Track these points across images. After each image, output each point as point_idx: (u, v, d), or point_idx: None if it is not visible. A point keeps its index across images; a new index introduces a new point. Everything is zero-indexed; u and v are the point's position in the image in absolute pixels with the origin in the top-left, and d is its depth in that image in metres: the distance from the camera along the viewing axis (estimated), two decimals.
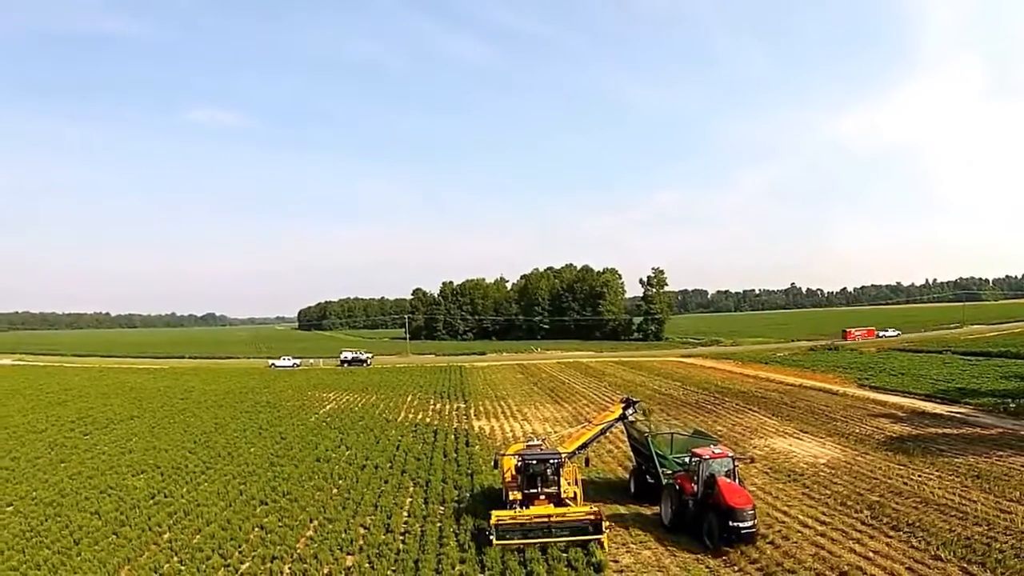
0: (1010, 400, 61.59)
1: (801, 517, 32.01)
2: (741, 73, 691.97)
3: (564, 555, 27.39)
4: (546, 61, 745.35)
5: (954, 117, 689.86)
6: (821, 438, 50.78)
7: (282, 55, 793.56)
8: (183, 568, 27.18)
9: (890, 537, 28.96)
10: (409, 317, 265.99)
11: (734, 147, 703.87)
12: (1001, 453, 43.57)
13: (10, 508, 36.25)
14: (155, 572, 26.92)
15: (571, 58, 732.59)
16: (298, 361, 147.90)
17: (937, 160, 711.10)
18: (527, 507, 30.52)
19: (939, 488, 35.81)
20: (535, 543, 28.22)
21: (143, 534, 31.45)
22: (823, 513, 32.70)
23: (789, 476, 39.73)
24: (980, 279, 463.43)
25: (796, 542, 28.53)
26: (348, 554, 28.82)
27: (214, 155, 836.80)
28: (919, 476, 38.58)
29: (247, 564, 27.58)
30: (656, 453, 34.79)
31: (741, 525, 27.74)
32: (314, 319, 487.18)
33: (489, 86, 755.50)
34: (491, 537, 28.16)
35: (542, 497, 31.17)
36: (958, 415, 58.39)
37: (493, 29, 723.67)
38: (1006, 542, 27.27)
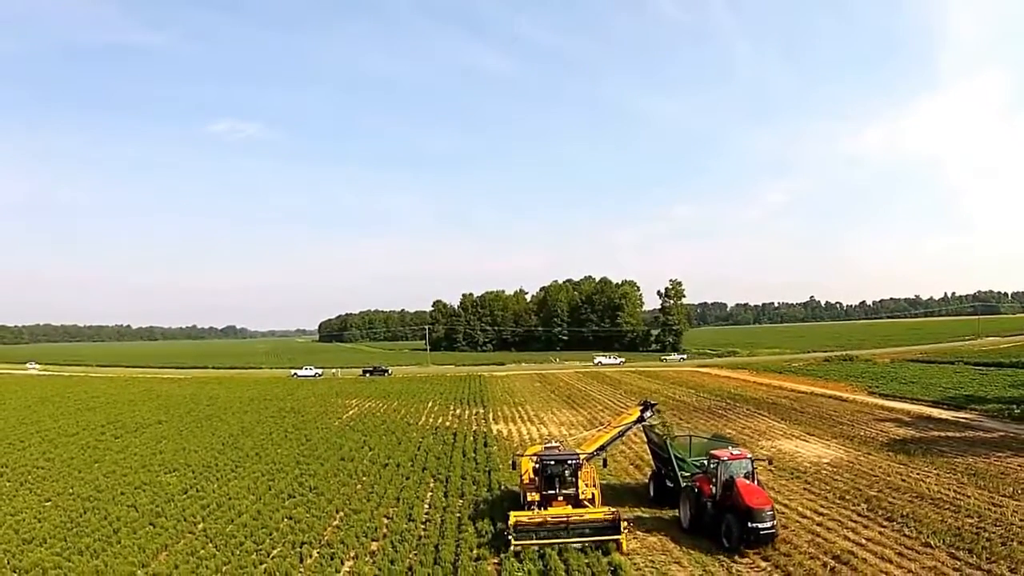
0: (1015, 406, 62.81)
1: (800, 509, 33.61)
2: (761, 86, 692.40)
3: None
4: (566, 74, 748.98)
5: (976, 131, 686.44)
6: (826, 440, 52.32)
7: (305, 67, 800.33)
8: (218, 552, 28.97)
9: (884, 527, 30.53)
10: (429, 328, 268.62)
11: (754, 160, 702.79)
12: (1000, 454, 45.00)
13: (49, 503, 37.98)
14: (192, 556, 28.72)
15: (591, 71, 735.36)
16: (320, 371, 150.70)
17: (958, 174, 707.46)
18: (545, 508, 30.69)
19: (936, 484, 37.34)
20: (553, 543, 28.41)
21: (179, 524, 33.28)
22: (821, 506, 34.29)
23: (792, 474, 41.27)
24: (999, 292, 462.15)
25: (793, 530, 30.10)
26: (373, 540, 30.68)
27: (235, 167, 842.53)
28: (917, 474, 40.14)
29: (278, 549, 29.43)
30: (675, 456, 34.77)
31: (760, 526, 27.61)
32: (335, 331, 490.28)
33: (510, 99, 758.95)
34: (509, 537, 28.33)
35: (560, 498, 31.27)
36: (963, 420, 59.71)
37: (516, 42, 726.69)
38: (995, 532, 28.76)
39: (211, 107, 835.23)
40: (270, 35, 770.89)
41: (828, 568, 25.51)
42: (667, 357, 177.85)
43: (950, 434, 53.02)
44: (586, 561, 26.98)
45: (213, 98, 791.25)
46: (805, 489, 37.79)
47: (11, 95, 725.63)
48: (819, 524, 31.16)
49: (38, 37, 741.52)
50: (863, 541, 28.64)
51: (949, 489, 36.38)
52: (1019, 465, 41.52)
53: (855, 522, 31.48)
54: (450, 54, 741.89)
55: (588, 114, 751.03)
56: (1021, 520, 30.45)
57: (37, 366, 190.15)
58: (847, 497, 35.60)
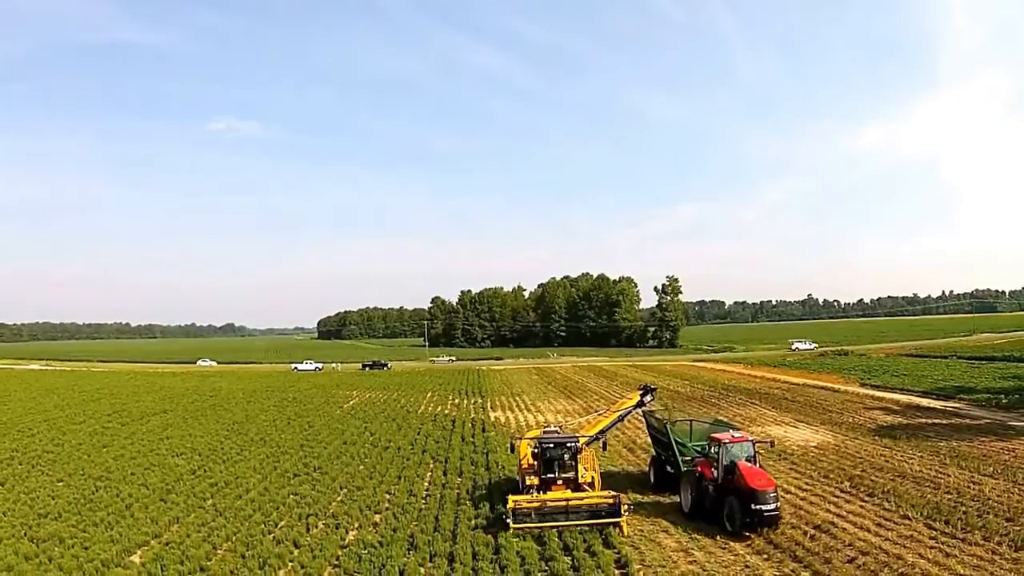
0: (1003, 396, 64.08)
1: (785, 486, 34.62)
2: (761, 85, 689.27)
3: None
4: (566, 73, 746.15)
5: (975, 131, 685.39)
6: (815, 426, 53.75)
7: (304, 66, 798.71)
8: (227, 524, 30.26)
9: (864, 501, 31.88)
10: (428, 324, 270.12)
11: (752, 159, 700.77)
12: (984, 439, 46.21)
13: (61, 483, 39.17)
14: (203, 526, 30.03)
15: (590, 70, 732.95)
16: (320, 365, 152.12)
17: (956, 173, 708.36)
18: (544, 492, 30.51)
19: (918, 465, 38.66)
20: (552, 526, 28.25)
21: (189, 500, 34.63)
22: (806, 483, 35.67)
23: (780, 456, 42.37)
24: (996, 291, 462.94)
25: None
26: (376, 513, 32.13)
27: (234, 166, 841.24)
28: (901, 456, 41.47)
29: (285, 520, 30.84)
30: (675, 441, 34.41)
31: (764, 508, 27.28)
32: (333, 329, 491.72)
33: (509, 97, 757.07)
34: (508, 521, 28.02)
35: (559, 482, 31.06)
36: (951, 408, 61.00)
37: (513, 40, 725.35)
38: (972, 506, 29.97)
39: (210, 105, 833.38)
40: (269, 33, 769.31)
41: (808, 536, 26.76)
42: (798, 345, 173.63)
43: (937, 421, 54.29)
44: (578, 529, 28.22)
45: (212, 96, 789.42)
46: (791, 469, 39.10)
47: (10, 94, 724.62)
48: (803, 499, 32.50)
49: (36, 36, 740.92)
50: (844, 513, 29.97)
51: (931, 469, 37.67)
52: (1002, 448, 42.76)
53: (837, 497, 32.83)
54: (450, 52, 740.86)
55: (587, 112, 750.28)
56: (999, 496, 31.60)
57: (213, 362, 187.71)
58: (831, 476, 36.96)
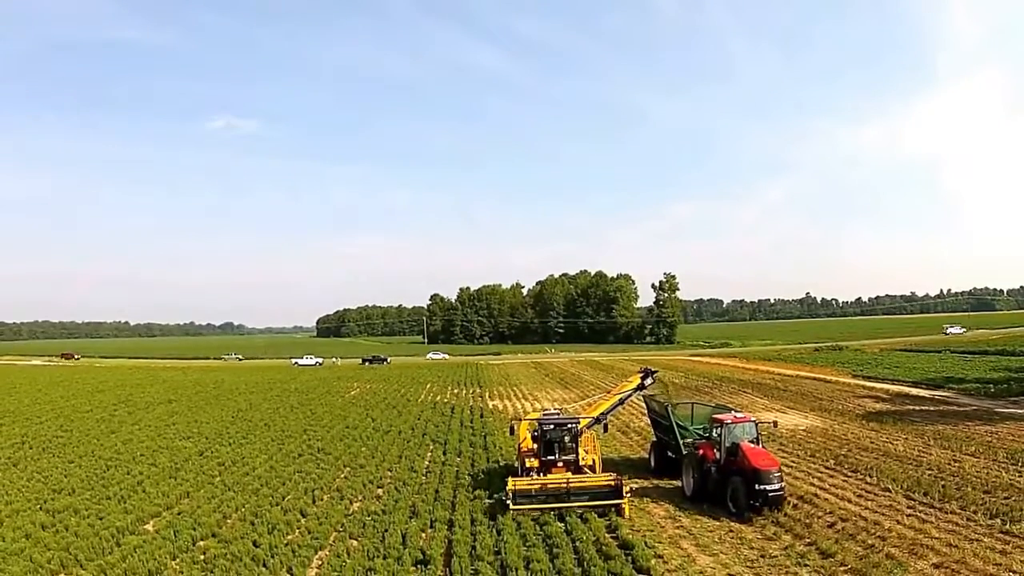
0: (991, 385, 65.20)
1: None
2: (759, 84, 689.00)
3: None
4: (566, 71, 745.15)
5: (974, 130, 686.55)
6: (805, 412, 55.21)
7: (303, 64, 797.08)
8: (236, 496, 31.61)
9: (848, 477, 33.23)
10: (426, 320, 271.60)
11: (751, 158, 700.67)
12: (969, 423, 47.46)
13: (72, 463, 40.37)
14: (213, 499, 31.32)
15: (590, 68, 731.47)
16: (320, 360, 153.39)
17: (955, 172, 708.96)
18: (544, 475, 30.41)
19: (903, 446, 40.00)
20: (553, 508, 28.12)
21: (198, 477, 36.03)
22: (792, 461, 36.94)
23: (768, 438, 42.66)
24: (994, 290, 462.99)
25: None
26: (378, 487, 33.46)
27: (232, 164, 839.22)
28: (886, 438, 42.86)
29: (292, 494, 32.15)
30: (677, 424, 34.17)
31: (768, 488, 27.14)
32: (332, 326, 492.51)
33: (508, 95, 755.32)
34: (508, 503, 27.87)
35: (560, 464, 30.86)
36: (939, 396, 62.33)
37: (514, 39, 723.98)
38: (951, 481, 31.24)
39: (208, 104, 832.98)
40: (267, 31, 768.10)
41: (791, 505, 28.09)
42: (952, 329, 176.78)
43: (924, 408, 55.66)
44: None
45: (210, 95, 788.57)
46: (779, 449, 39.99)
47: (8, 92, 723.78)
48: (788, 474, 33.16)
49: (34, 34, 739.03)
50: (827, 486, 31.34)
51: (914, 449, 39.01)
52: (985, 431, 43.99)
53: (822, 473, 34.21)
54: (449, 51, 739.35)
55: (586, 111, 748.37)
56: (978, 472, 32.89)
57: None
58: (817, 455, 38.38)
